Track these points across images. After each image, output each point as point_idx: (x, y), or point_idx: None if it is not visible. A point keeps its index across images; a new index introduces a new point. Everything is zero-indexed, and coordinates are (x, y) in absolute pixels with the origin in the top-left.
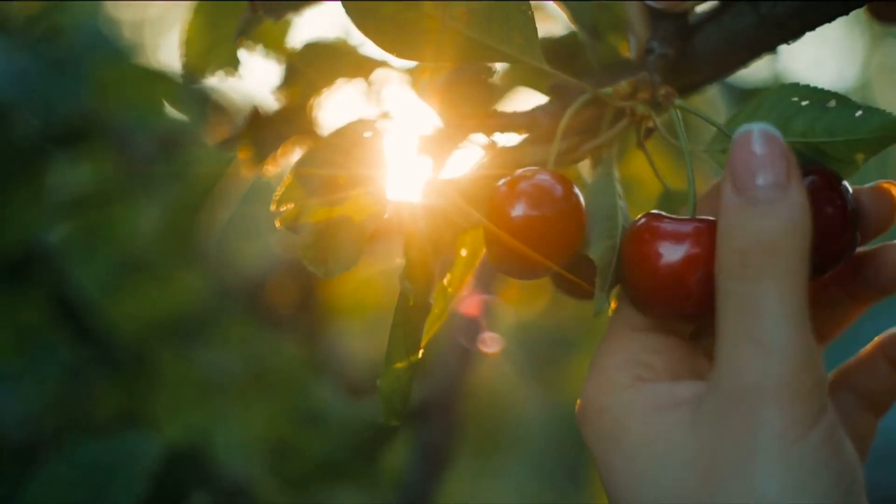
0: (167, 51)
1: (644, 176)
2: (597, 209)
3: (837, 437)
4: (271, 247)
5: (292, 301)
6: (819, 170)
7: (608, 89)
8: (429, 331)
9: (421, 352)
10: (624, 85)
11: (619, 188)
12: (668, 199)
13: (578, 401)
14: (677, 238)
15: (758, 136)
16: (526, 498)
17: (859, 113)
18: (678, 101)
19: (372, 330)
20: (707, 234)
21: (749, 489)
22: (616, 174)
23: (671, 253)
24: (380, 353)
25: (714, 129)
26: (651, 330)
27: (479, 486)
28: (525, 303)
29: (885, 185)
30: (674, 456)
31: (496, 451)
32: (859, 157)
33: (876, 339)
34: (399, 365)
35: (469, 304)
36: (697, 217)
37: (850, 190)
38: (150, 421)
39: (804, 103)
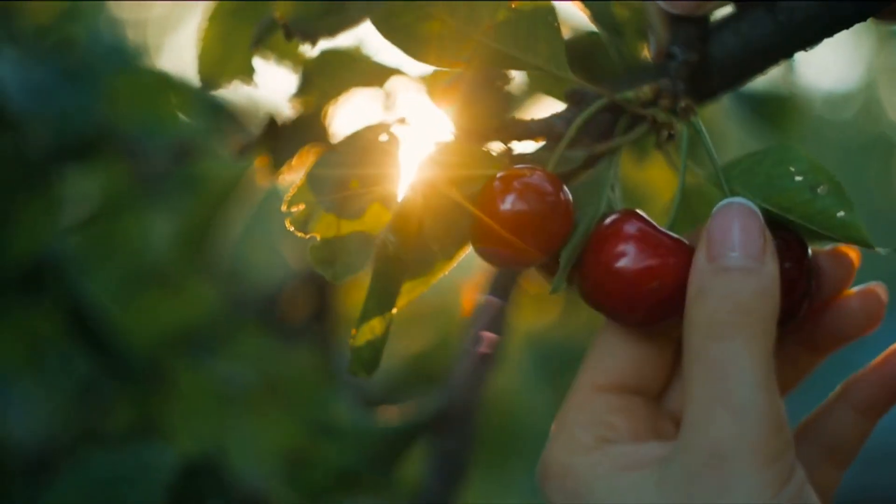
0: (171, 51)
1: (659, 185)
2: (584, 199)
3: (805, 495)
4: (285, 257)
5: (307, 311)
6: (783, 230)
7: (629, 93)
8: (408, 293)
9: (395, 310)
10: (646, 90)
11: (614, 180)
12: (685, 196)
13: (540, 460)
14: (642, 243)
15: (738, 211)
16: None
17: (841, 214)
18: (693, 120)
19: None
20: (675, 251)
21: None
22: (617, 170)
23: (630, 255)
24: (395, 363)
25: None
26: (615, 390)
27: (492, 495)
28: (540, 315)
29: (842, 249)
30: None
31: (510, 462)
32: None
33: (839, 387)
34: (374, 319)
35: (485, 315)
36: (671, 232)
37: (810, 251)
38: (165, 432)
39: (798, 178)
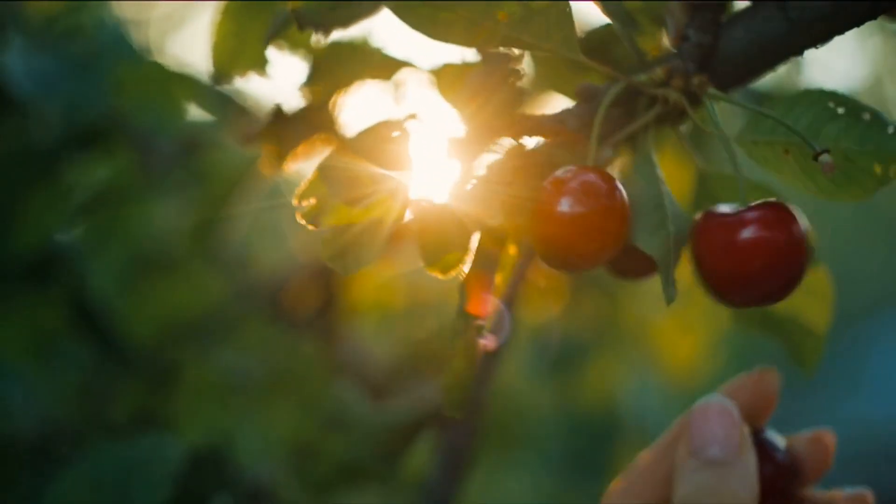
0: (174, 49)
1: (672, 179)
2: (642, 199)
3: None
4: (292, 248)
5: (313, 303)
6: (760, 434)
7: (642, 76)
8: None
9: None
10: (658, 72)
11: (660, 175)
12: (705, 183)
13: None
14: (752, 225)
15: (715, 410)
16: (541, 492)
17: (892, 129)
18: (712, 90)
19: (393, 332)
20: (775, 215)
21: None
22: (655, 161)
23: (750, 240)
24: (401, 356)
25: (744, 119)
26: None
27: (495, 482)
28: (545, 308)
29: (819, 434)
30: None
31: (514, 454)
32: (881, 169)
33: None
34: (459, 360)
35: (490, 308)
36: (753, 204)
37: (783, 447)
38: (170, 423)
39: (840, 110)
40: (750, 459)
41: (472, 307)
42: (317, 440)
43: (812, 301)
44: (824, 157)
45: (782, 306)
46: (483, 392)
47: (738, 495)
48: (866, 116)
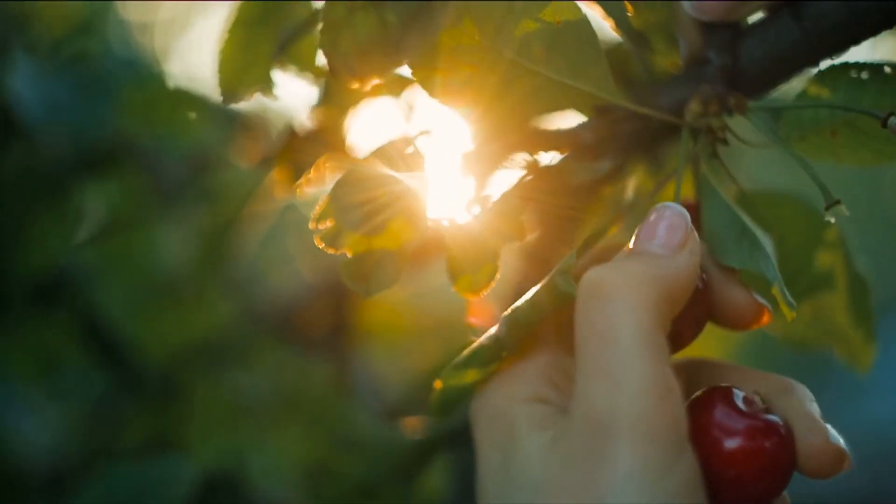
0: (179, 54)
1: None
2: (724, 229)
3: (694, 485)
4: (303, 269)
5: (325, 324)
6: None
7: (689, 114)
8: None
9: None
10: (694, 105)
11: (729, 200)
12: (746, 202)
13: (479, 393)
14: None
15: (667, 212)
16: None
17: None
18: (752, 104)
19: (406, 352)
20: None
21: None
22: (718, 189)
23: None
24: (414, 375)
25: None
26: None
27: None
28: None
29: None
30: (528, 477)
31: None
32: None
33: None
34: (472, 370)
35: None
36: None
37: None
38: (182, 446)
39: (864, 75)
40: (683, 259)
41: (480, 320)
42: (330, 461)
43: (852, 298)
44: (892, 120)
45: (828, 313)
46: None
47: (651, 279)
48: (888, 70)
